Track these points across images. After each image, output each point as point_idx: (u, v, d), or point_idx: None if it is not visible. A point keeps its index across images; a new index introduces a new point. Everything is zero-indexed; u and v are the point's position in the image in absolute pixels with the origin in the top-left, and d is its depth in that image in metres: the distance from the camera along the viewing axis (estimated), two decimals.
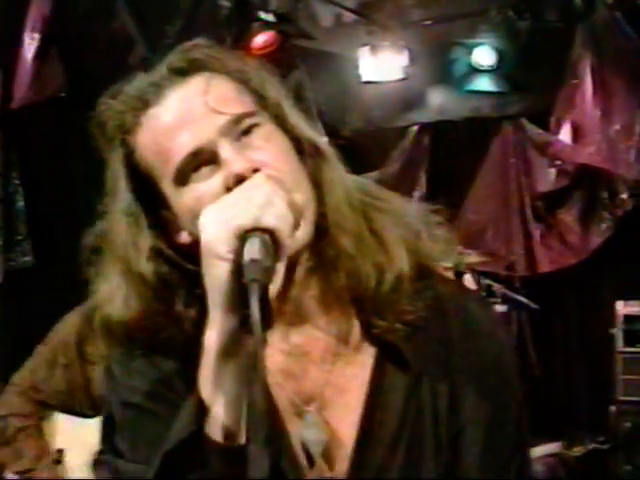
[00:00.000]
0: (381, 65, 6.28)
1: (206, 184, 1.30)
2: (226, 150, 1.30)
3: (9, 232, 5.51)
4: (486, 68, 6.22)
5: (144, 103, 1.35)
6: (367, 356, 1.37)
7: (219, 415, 1.22)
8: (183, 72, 1.36)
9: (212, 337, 1.22)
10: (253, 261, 1.15)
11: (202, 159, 1.31)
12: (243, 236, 1.18)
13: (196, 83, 1.34)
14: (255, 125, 1.33)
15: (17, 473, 3.52)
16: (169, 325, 1.34)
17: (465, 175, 6.68)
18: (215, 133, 1.31)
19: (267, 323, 1.12)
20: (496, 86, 6.30)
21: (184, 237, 1.34)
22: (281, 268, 1.22)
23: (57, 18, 5.32)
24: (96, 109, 1.38)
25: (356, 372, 1.37)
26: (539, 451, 5.35)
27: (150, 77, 1.37)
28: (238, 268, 1.17)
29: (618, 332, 5.78)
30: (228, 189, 1.27)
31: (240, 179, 1.27)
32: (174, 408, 1.27)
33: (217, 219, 1.22)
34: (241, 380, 1.21)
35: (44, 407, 3.66)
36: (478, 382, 1.36)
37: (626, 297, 5.83)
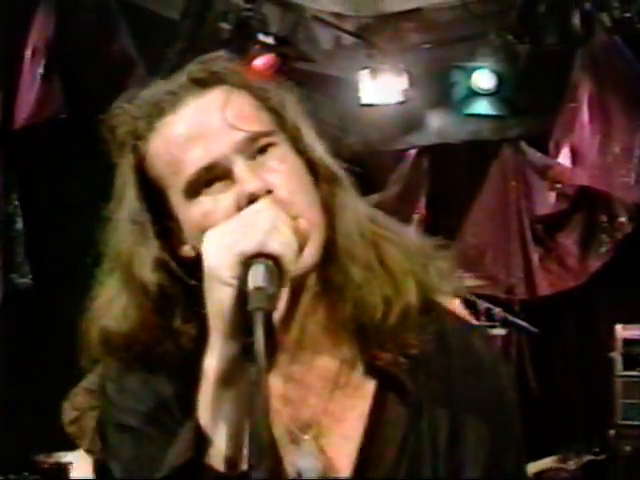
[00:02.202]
0: (381, 88, 6.30)
1: (216, 199, 1.27)
2: (240, 168, 1.27)
3: (8, 253, 5.50)
4: (485, 91, 6.23)
5: (159, 110, 1.32)
6: (367, 387, 1.35)
7: (220, 443, 1.19)
8: (202, 83, 1.33)
9: (212, 363, 1.20)
10: (257, 289, 1.12)
11: (215, 174, 1.28)
12: (247, 262, 1.16)
13: (215, 96, 1.32)
14: (271, 145, 1.31)
15: None
16: (166, 339, 1.31)
17: (464, 198, 6.68)
18: (230, 149, 1.28)
19: (270, 352, 1.09)
20: (495, 109, 6.32)
21: (187, 250, 1.32)
22: (285, 294, 1.20)
23: (58, 40, 5.33)
24: (109, 113, 1.35)
25: (355, 402, 1.34)
26: (535, 467, 5.30)
27: (168, 85, 1.34)
28: (241, 294, 1.15)
29: (617, 356, 5.76)
30: (239, 208, 1.25)
31: (253, 199, 1.24)
32: (169, 432, 1.25)
33: (220, 244, 1.19)
34: (242, 408, 1.18)
35: None
36: (479, 420, 1.34)
37: (625, 321, 5.82)
